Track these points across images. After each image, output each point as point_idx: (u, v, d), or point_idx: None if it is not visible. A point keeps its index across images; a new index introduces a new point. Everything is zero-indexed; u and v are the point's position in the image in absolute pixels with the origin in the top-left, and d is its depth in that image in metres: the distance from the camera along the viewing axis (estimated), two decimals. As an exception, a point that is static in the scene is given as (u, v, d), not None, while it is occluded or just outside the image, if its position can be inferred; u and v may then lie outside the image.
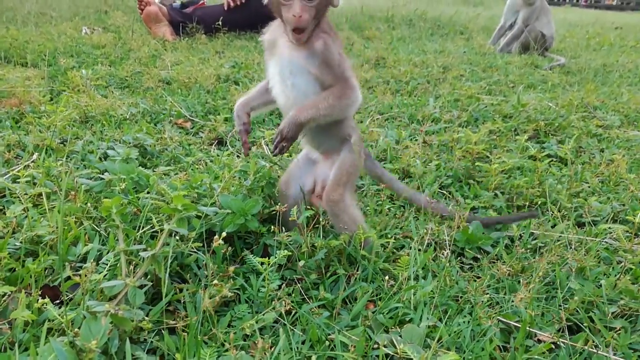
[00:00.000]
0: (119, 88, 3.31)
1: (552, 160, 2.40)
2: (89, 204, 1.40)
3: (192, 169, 2.03)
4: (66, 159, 2.00)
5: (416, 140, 2.61)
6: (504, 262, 1.48)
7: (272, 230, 1.41)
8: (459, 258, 1.56)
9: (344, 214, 1.40)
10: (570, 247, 1.60)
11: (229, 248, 1.36)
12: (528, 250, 1.59)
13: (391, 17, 7.31)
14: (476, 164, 2.10)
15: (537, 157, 2.11)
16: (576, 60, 5.44)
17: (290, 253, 1.19)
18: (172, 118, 2.71)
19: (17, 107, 2.62)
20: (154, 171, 2.05)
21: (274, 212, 1.45)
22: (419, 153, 2.29)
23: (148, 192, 1.45)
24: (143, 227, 1.25)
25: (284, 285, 1.24)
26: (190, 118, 2.73)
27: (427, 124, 2.83)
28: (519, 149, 2.46)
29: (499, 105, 3.19)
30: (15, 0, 7.01)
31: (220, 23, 4.94)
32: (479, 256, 1.56)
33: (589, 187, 2.10)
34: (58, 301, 1.08)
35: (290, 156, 2.01)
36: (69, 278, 1.07)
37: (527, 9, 5.53)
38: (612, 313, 1.28)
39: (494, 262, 1.52)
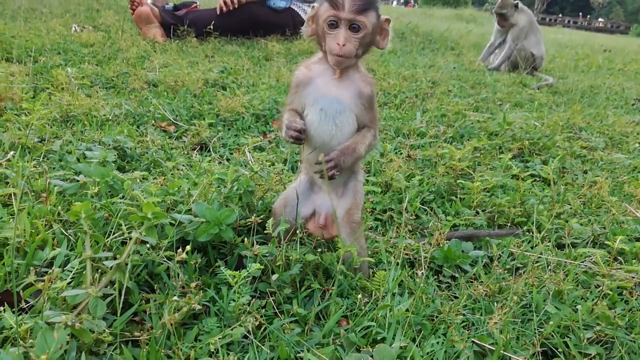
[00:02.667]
0: (104, 88, 3.27)
1: (535, 180, 2.40)
2: (60, 207, 1.35)
3: (171, 174, 1.99)
4: (43, 158, 1.96)
5: (401, 154, 2.60)
6: (482, 282, 1.47)
7: (246, 240, 1.39)
8: (436, 276, 1.54)
9: (361, 236, 1.45)
10: (549, 269, 1.59)
11: (202, 258, 1.33)
12: (506, 271, 1.57)
13: (384, 29, 7.33)
14: (459, 180, 2.10)
15: (520, 176, 2.11)
16: (564, 80, 5.50)
17: (262, 267, 1.16)
18: (155, 121, 2.67)
19: (-2, 103, 2.57)
20: (132, 174, 2.02)
21: (250, 222, 1.42)
22: (402, 167, 2.28)
23: (123, 197, 1.41)
24: (114, 233, 1.22)
25: (255, 298, 1.21)
26: (174, 122, 2.69)
27: (412, 138, 2.82)
28: (502, 167, 2.46)
29: (485, 122, 3.20)
30: (6, -6, 6.94)
31: (211, 27, 4.92)
32: (456, 275, 1.54)
33: (571, 208, 2.10)
34: (19, 308, 1.04)
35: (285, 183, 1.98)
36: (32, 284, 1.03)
37: (515, 29, 5.60)
38: (588, 339, 1.27)
39: (471, 282, 1.51)
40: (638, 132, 3.48)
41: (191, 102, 3.04)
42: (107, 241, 1.18)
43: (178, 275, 1.11)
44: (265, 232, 1.36)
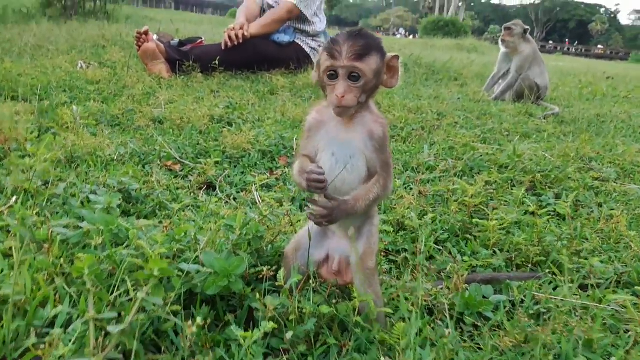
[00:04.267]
0: (109, 126, 3.25)
1: (550, 216, 2.33)
2: (62, 259, 1.30)
3: (177, 217, 1.94)
4: (46, 203, 1.91)
5: (411, 189, 2.55)
6: (506, 330, 1.39)
7: (257, 290, 1.32)
8: (458, 324, 1.46)
9: (376, 283, 1.39)
10: (576, 315, 1.51)
11: (210, 312, 1.26)
12: (530, 317, 1.50)
13: (387, 61, 7.39)
14: (474, 219, 2.03)
15: (537, 212, 2.04)
16: (570, 110, 5.48)
17: (276, 326, 1.09)
18: (161, 160, 2.64)
19: (2, 144, 2.54)
20: (137, 218, 1.97)
21: (261, 271, 1.36)
22: (414, 204, 2.22)
23: (128, 246, 1.36)
24: (119, 288, 1.16)
25: (268, 358, 1.14)
26: (180, 160, 2.66)
27: (422, 173, 2.77)
28: (516, 202, 2.39)
29: (494, 155, 3.15)
30: (13, 32, 7.05)
31: (217, 62, 4.95)
32: (478, 323, 1.46)
33: (590, 245, 2.02)
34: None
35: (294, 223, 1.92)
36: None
37: (519, 57, 5.61)
38: (624, 394, 1.18)
39: (495, 330, 1.43)
40: (650, 161, 3.42)
41: (197, 139, 3.01)
42: (111, 298, 1.12)
43: (187, 337, 1.04)
44: (276, 282, 1.30)
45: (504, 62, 5.84)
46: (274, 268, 1.48)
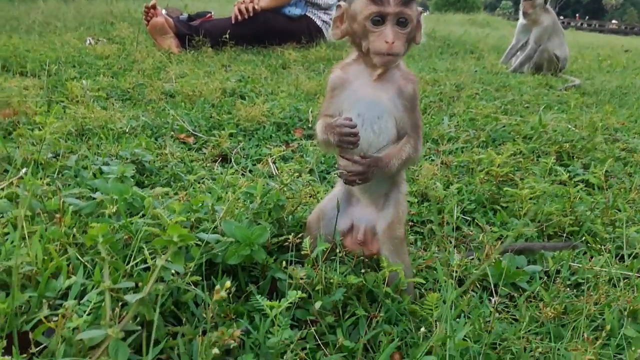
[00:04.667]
0: (120, 100, 3.17)
1: (580, 186, 2.23)
2: (75, 229, 1.23)
3: (193, 188, 1.87)
4: (57, 175, 1.85)
5: (433, 160, 2.45)
6: (544, 302, 1.31)
7: (280, 260, 1.25)
8: (490, 296, 1.38)
9: (405, 253, 1.32)
10: (616, 285, 1.42)
11: (232, 282, 1.19)
12: (568, 288, 1.41)
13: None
14: (504, 188, 1.93)
15: (569, 182, 1.94)
16: (591, 81, 5.30)
17: (304, 295, 1.02)
18: (174, 132, 2.56)
19: (11, 117, 2.48)
20: (151, 189, 1.90)
21: (283, 240, 1.28)
22: (437, 175, 2.13)
23: (143, 216, 1.28)
24: (135, 259, 1.09)
25: (294, 329, 1.07)
26: (193, 133, 2.58)
27: (443, 144, 2.67)
28: (543, 172, 2.29)
29: (518, 125, 3.03)
30: (21, 9, 6.95)
31: (227, 36, 4.82)
32: (514, 294, 1.38)
33: (624, 215, 1.92)
34: (29, 353, 0.91)
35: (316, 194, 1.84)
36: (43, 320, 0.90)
37: (539, 29, 5.41)
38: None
39: (531, 301, 1.35)
40: (677, 132, 3.29)
41: (210, 112, 2.92)
42: (128, 268, 1.05)
43: (208, 305, 0.97)
44: (301, 251, 1.23)
45: (523, 33, 5.64)
46: (298, 237, 1.41)
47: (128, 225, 1.19)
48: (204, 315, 1.00)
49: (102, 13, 6.79)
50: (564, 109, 3.84)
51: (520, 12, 5.50)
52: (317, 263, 1.19)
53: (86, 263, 1.10)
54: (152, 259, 0.98)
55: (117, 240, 1.13)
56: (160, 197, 1.31)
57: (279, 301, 1.00)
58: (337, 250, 1.22)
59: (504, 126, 3.02)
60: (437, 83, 4.25)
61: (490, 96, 4.05)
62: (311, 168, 2.23)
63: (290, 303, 1.02)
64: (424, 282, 1.29)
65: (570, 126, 3.14)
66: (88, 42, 4.97)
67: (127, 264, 1.08)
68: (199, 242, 1.20)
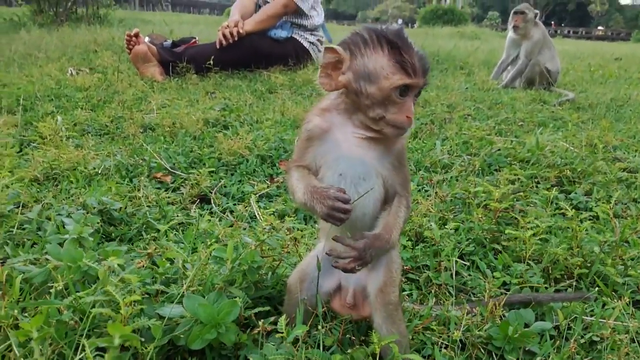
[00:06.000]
0: (97, 135, 3.03)
1: (586, 222, 2.08)
2: (18, 308, 1.07)
3: (166, 239, 1.71)
4: (17, 229, 1.69)
5: (427, 192, 2.31)
6: (558, 371, 1.15)
7: (254, 335, 1.09)
8: (497, 362, 1.23)
9: (400, 319, 1.16)
10: (635, 342, 1.27)
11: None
12: (582, 348, 1.26)
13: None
14: (507, 230, 1.77)
15: (576, 217, 1.79)
16: (585, 94, 5.21)
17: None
18: (150, 171, 2.40)
19: (-23, 161, 2.32)
20: (120, 242, 1.74)
21: (261, 311, 1.13)
22: (432, 211, 1.98)
23: (99, 289, 1.13)
24: (81, 351, 0.92)
25: None
26: (171, 171, 2.42)
27: (437, 172, 2.53)
28: (544, 202, 2.15)
29: (514, 148, 2.90)
30: (2, 41, 6.83)
31: (211, 62, 4.70)
32: (523, 359, 1.22)
33: (635, 251, 1.77)
34: None
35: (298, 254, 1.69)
36: None
37: (529, 43, 5.33)
38: None
39: (542, 367, 1.20)
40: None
41: (190, 146, 2.78)
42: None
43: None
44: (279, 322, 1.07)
45: (513, 47, 5.56)
46: (275, 301, 1.26)
47: (74, 306, 1.03)
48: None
49: (85, 42, 6.68)
50: (559, 126, 3.72)
51: (510, 26, 5.43)
52: (298, 341, 1.04)
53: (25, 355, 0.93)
54: (94, 358, 0.82)
55: (59, 328, 0.97)
56: (117, 266, 1.14)
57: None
58: (319, 326, 1.06)
59: (499, 149, 2.89)
60: (428, 104, 4.13)
61: (483, 115, 3.93)
62: (297, 208, 2.08)
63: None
64: (421, 359, 1.13)
65: (568, 145, 3.02)
66: (70, 72, 4.84)
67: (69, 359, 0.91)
68: (161, 319, 1.05)
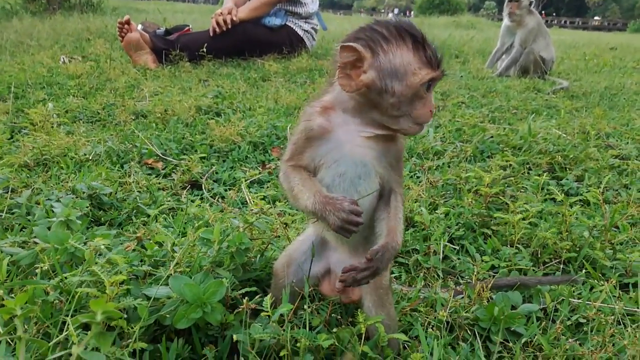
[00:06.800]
0: (88, 122, 3.01)
1: (575, 206, 2.09)
2: (10, 284, 1.07)
3: (156, 223, 1.71)
4: (5, 213, 1.68)
5: (418, 178, 2.31)
6: (544, 352, 1.16)
7: (241, 316, 1.09)
8: (484, 342, 1.23)
9: (390, 303, 1.16)
10: (620, 324, 1.28)
11: (185, 346, 1.03)
12: (568, 330, 1.27)
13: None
14: (496, 214, 1.78)
15: (565, 202, 1.80)
16: (579, 83, 5.20)
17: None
18: (142, 158, 2.39)
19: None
20: (110, 226, 1.74)
21: (249, 292, 1.13)
22: (423, 197, 1.98)
23: (84, 271, 1.12)
24: (65, 329, 0.92)
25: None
26: (162, 157, 2.42)
27: (429, 159, 2.53)
28: (535, 188, 2.16)
29: (506, 135, 2.90)
30: (-6, 29, 6.76)
31: (205, 50, 4.67)
32: (509, 341, 1.23)
33: (625, 236, 1.78)
34: None
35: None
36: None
37: (524, 31, 5.32)
38: None
39: (527, 347, 1.20)
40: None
41: (182, 132, 2.76)
42: (49, 346, 0.89)
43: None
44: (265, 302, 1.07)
45: (507, 36, 5.54)
46: (264, 284, 1.26)
47: (59, 285, 1.02)
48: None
49: (78, 30, 6.62)
50: (552, 114, 3.73)
51: (505, 14, 5.40)
52: (284, 321, 1.04)
53: (7, 339, 0.93)
54: (78, 337, 0.82)
55: (45, 307, 0.96)
56: (103, 247, 1.14)
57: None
58: (306, 306, 1.07)
59: (491, 137, 2.89)
60: (422, 91, 4.11)
61: (476, 103, 3.93)
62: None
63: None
64: (408, 340, 1.13)
65: (560, 132, 3.02)
66: (62, 60, 4.79)
67: (54, 338, 0.91)
68: (149, 299, 1.05)
